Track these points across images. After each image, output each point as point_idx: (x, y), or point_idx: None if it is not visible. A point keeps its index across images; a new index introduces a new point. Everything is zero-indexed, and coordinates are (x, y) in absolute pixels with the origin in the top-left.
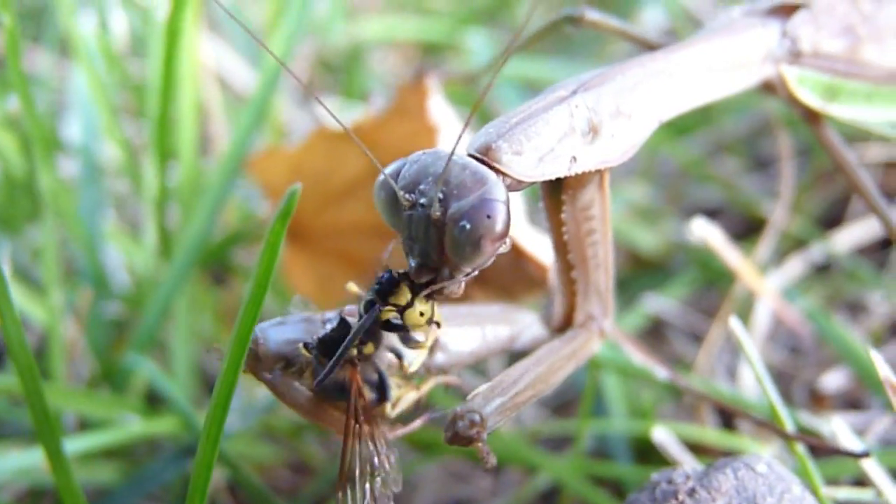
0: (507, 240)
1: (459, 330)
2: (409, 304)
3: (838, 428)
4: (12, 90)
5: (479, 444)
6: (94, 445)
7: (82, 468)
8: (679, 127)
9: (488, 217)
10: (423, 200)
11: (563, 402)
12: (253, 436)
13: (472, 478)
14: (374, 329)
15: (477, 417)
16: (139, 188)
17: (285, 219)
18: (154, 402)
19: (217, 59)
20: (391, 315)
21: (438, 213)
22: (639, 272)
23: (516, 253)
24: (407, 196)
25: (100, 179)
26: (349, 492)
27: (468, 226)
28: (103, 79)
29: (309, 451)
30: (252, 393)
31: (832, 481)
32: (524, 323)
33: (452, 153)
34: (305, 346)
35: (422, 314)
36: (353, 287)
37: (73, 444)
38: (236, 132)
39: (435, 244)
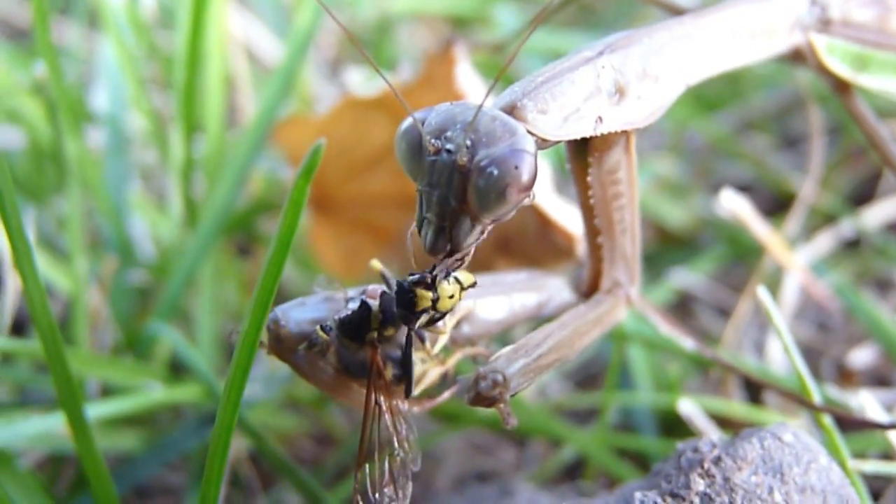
0: (531, 193)
1: (486, 299)
2: (436, 299)
3: (866, 400)
4: (40, 57)
5: (501, 405)
6: (116, 412)
7: (104, 435)
8: (708, 102)
9: (516, 167)
10: (449, 146)
11: (589, 375)
12: (276, 406)
13: (496, 450)
14: (394, 314)
15: (500, 377)
16: (166, 159)
17: (309, 173)
18: (177, 370)
19: (245, 31)
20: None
21: (465, 160)
22: (666, 247)
23: (543, 222)
24: (433, 141)
25: (127, 150)
26: (368, 471)
27: (496, 172)
28: (132, 50)
29: (332, 421)
30: (275, 363)
31: (859, 455)
32: (552, 289)
33: (482, 105)
34: (322, 328)
35: (452, 297)
36: (376, 264)
37: (95, 410)
38: (263, 101)
39: (457, 192)
